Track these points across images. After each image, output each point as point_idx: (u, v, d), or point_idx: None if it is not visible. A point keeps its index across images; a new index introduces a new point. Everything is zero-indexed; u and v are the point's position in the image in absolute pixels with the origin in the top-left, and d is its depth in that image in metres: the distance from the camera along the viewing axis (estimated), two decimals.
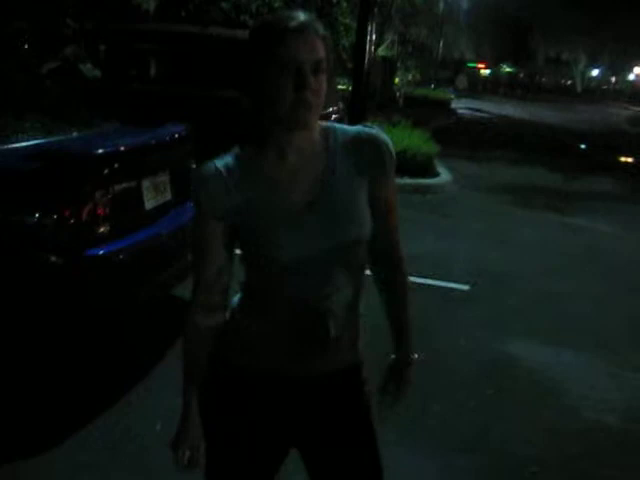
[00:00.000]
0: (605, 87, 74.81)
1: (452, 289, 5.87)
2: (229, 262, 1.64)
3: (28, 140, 3.69)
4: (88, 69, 8.12)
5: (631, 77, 68.54)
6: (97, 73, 8.05)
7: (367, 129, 1.68)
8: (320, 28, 1.52)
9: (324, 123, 1.65)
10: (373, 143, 1.65)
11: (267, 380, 1.68)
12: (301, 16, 1.51)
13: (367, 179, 1.64)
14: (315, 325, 1.63)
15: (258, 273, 1.64)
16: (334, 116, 7.93)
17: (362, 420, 1.79)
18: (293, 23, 1.48)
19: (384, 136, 1.67)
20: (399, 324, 1.95)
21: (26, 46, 9.07)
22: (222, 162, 1.59)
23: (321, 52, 1.50)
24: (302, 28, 1.48)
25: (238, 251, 1.64)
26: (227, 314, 1.71)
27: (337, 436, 1.76)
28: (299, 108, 1.49)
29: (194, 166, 4.49)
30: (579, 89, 72.73)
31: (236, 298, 1.73)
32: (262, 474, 1.78)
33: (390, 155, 1.66)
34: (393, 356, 1.94)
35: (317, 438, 1.77)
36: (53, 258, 3.35)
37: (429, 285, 5.86)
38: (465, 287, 5.91)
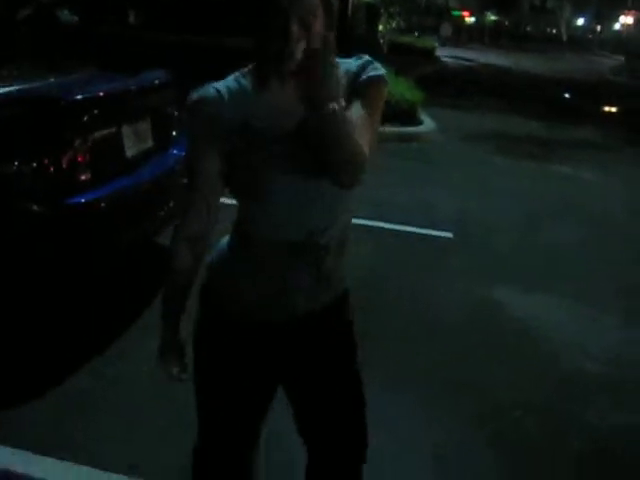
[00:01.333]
0: (590, 36, 74.28)
1: (436, 237, 5.88)
2: (221, 192, 1.63)
3: (4, 87, 3.59)
4: (65, 14, 7.93)
5: (617, 26, 68.03)
6: (74, 18, 7.87)
7: (364, 57, 1.65)
8: None
9: None
10: (371, 63, 1.62)
11: (258, 325, 1.69)
12: None
13: (358, 103, 1.58)
14: (314, 259, 1.64)
15: (251, 206, 1.61)
16: None
17: (348, 354, 1.83)
18: None
19: (379, 67, 1.63)
20: None
21: None
22: (222, 84, 1.58)
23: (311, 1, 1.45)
24: None
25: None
26: (215, 257, 1.72)
27: (324, 370, 1.80)
28: (283, 59, 1.47)
29: (176, 112, 4.42)
30: (564, 38, 72.18)
31: (225, 240, 1.73)
32: (252, 412, 1.83)
33: (384, 83, 1.62)
34: None
35: (305, 374, 1.80)
36: (33, 207, 3.31)
37: (413, 233, 5.87)
38: (449, 234, 5.92)
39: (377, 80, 1.60)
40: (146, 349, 3.40)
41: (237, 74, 1.61)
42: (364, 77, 1.59)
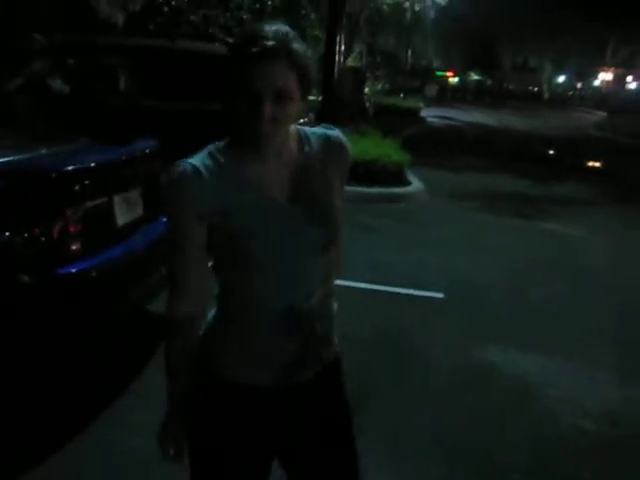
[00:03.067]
0: (571, 93, 75.81)
1: (426, 297, 5.89)
2: (207, 267, 1.63)
3: None
4: (57, 84, 8.04)
5: (596, 83, 69.58)
6: (66, 88, 7.97)
7: (332, 132, 1.74)
8: (294, 47, 1.49)
9: (294, 127, 1.66)
10: (341, 146, 1.73)
11: (247, 391, 1.67)
12: (270, 36, 1.47)
13: (336, 179, 1.70)
14: (306, 325, 1.65)
15: (237, 277, 1.62)
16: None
17: (342, 422, 1.81)
18: (255, 48, 1.45)
19: (345, 140, 1.75)
20: None
21: None
22: (198, 161, 1.57)
23: (284, 80, 1.48)
24: (264, 54, 1.46)
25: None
26: (205, 329, 1.71)
27: (318, 440, 1.78)
28: (255, 135, 1.51)
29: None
30: (546, 95, 73.66)
31: (211, 312, 1.72)
32: None
33: (350, 159, 1.76)
34: None
35: (298, 443, 1.78)
36: (24, 277, 3.30)
37: (403, 294, 5.88)
38: (439, 295, 5.94)
39: (344, 151, 1.73)
40: (137, 421, 3.40)
41: (211, 148, 1.61)
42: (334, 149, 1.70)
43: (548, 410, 4.04)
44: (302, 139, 1.67)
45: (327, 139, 1.71)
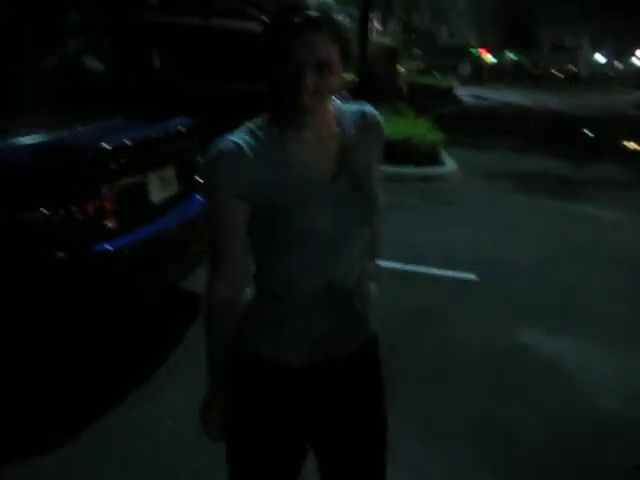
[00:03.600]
0: (610, 73, 74.33)
1: (460, 279, 5.86)
2: (247, 247, 1.62)
3: (33, 136, 3.67)
4: (92, 62, 8.09)
5: (636, 62, 68.10)
6: (101, 66, 8.03)
7: (367, 108, 1.73)
8: (337, 19, 1.48)
9: (333, 103, 1.65)
10: (376, 123, 1.73)
11: (287, 372, 1.66)
12: (313, 7, 1.45)
13: (373, 156, 1.71)
14: (344, 301, 1.65)
15: (277, 254, 1.61)
16: None
17: (376, 400, 1.81)
18: (298, 19, 1.44)
19: (381, 116, 1.75)
20: None
21: (29, 41, 9.04)
22: (240, 138, 1.55)
23: (327, 51, 1.47)
24: (307, 25, 1.44)
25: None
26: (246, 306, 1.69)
27: (351, 419, 1.76)
28: (296, 107, 1.50)
29: (200, 159, 4.48)
30: (584, 75, 72.32)
31: (250, 291, 1.70)
32: (283, 468, 1.75)
33: (385, 136, 1.76)
34: None
35: (332, 422, 1.76)
36: (61, 254, 3.35)
37: (437, 275, 5.86)
38: (472, 276, 5.90)
39: (379, 127, 1.73)
40: (172, 399, 3.45)
41: (250, 125, 1.60)
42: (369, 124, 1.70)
43: (579, 393, 4.01)
44: (338, 114, 1.66)
45: (363, 116, 1.70)
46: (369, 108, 1.73)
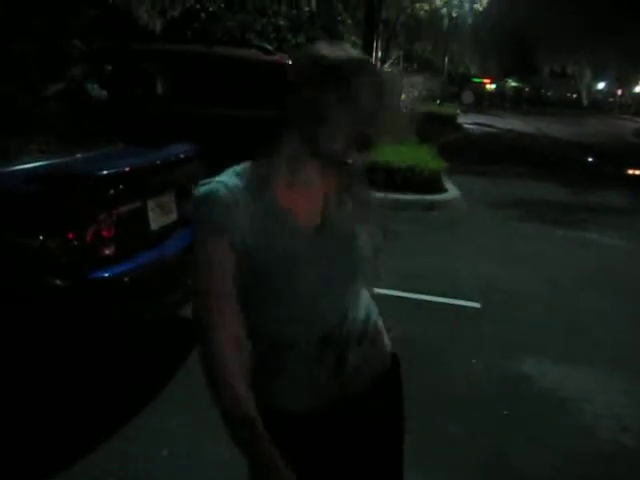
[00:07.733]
0: (611, 100, 74.67)
1: (463, 307, 5.79)
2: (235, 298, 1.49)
3: (33, 162, 3.65)
4: (94, 89, 8.12)
5: (637, 89, 68.42)
6: (103, 93, 8.05)
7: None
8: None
9: None
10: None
11: (295, 419, 1.59)
12: (357, 57, 1.46)
13: (361, 206, 1.64)
14: (342, 349, 1.59)
15: (268, 308, 1.54)
16: None
17: (394, 437, 1.84)
18: (359, 69, 1.44)
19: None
20: None
21: (32, 67, 9.10)
22: (230, 182, 1.49)
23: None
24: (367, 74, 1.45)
25: None
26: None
27: (369, 456, 1.73)
28: (349, 151, 1.47)
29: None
30: (585, 102, 72.68)
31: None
32: None
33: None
34: None
35: (350, 462, 1.70)
36: (57, 281, 3.31)
37: (440, 303, 5.79)
38: (476, 305, 5.83)
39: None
40: (167, 428, 3.38)
41: (237, 170, 1.54)
42: None
43: (585, 425, 3.92)
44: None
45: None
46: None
